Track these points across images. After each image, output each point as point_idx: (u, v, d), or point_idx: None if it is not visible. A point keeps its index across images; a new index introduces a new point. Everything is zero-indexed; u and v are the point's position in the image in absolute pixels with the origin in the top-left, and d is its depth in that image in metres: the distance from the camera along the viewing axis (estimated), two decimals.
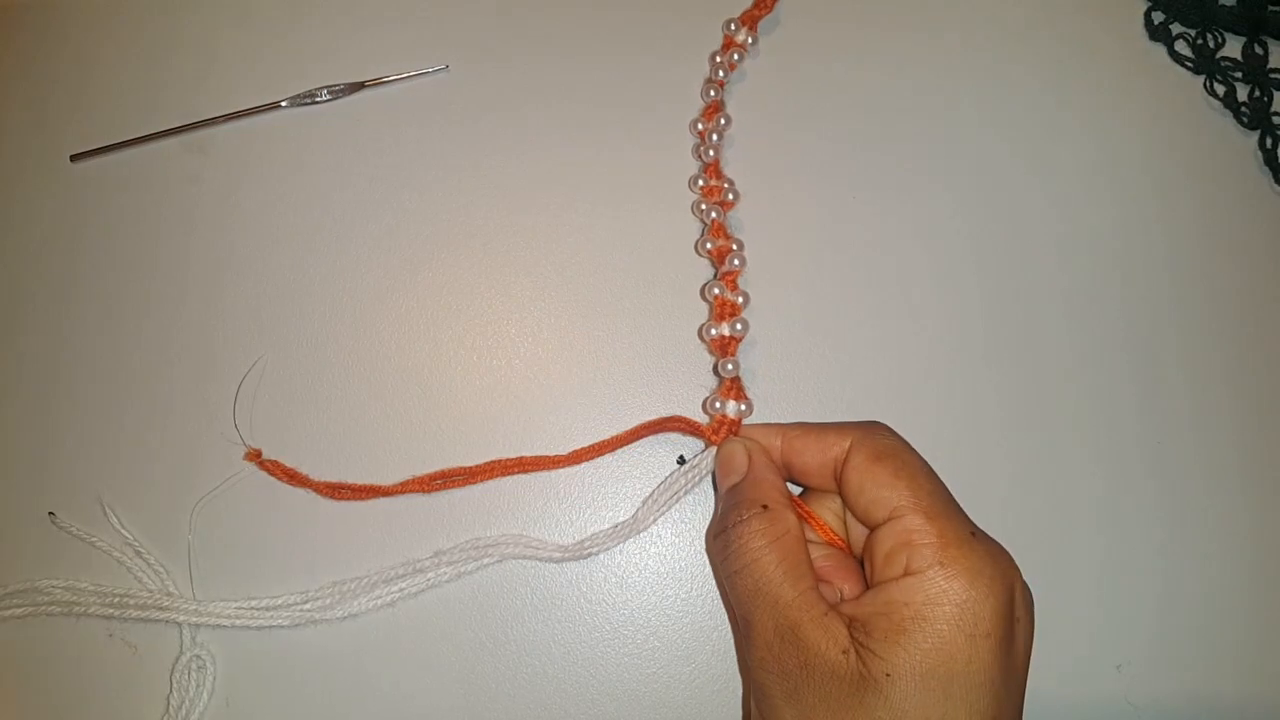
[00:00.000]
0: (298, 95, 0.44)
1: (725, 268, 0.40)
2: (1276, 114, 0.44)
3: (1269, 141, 0.44)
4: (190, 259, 0.43)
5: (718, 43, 0.44)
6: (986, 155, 0.44)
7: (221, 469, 0.40)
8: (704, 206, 0.42)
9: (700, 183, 0.43)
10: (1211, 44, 0.45)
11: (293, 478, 0.40)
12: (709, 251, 0.41)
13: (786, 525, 0.34)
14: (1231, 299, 0.43)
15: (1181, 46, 0.45)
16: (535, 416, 0.41)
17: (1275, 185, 0.44)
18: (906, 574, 0.31)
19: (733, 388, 0.39)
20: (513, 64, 0.45)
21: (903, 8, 0.46)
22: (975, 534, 0.32)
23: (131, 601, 0.39)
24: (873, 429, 0.35)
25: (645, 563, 0.40)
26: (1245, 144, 0.44)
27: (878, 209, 0.43)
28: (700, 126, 0.43)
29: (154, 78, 0.45)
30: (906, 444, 0.34)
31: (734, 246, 0.41)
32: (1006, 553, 0.32)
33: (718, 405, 0.38)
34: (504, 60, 0.45)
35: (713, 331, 0.40)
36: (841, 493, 0.35)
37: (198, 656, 0.39)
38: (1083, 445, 0.41)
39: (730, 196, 0.42)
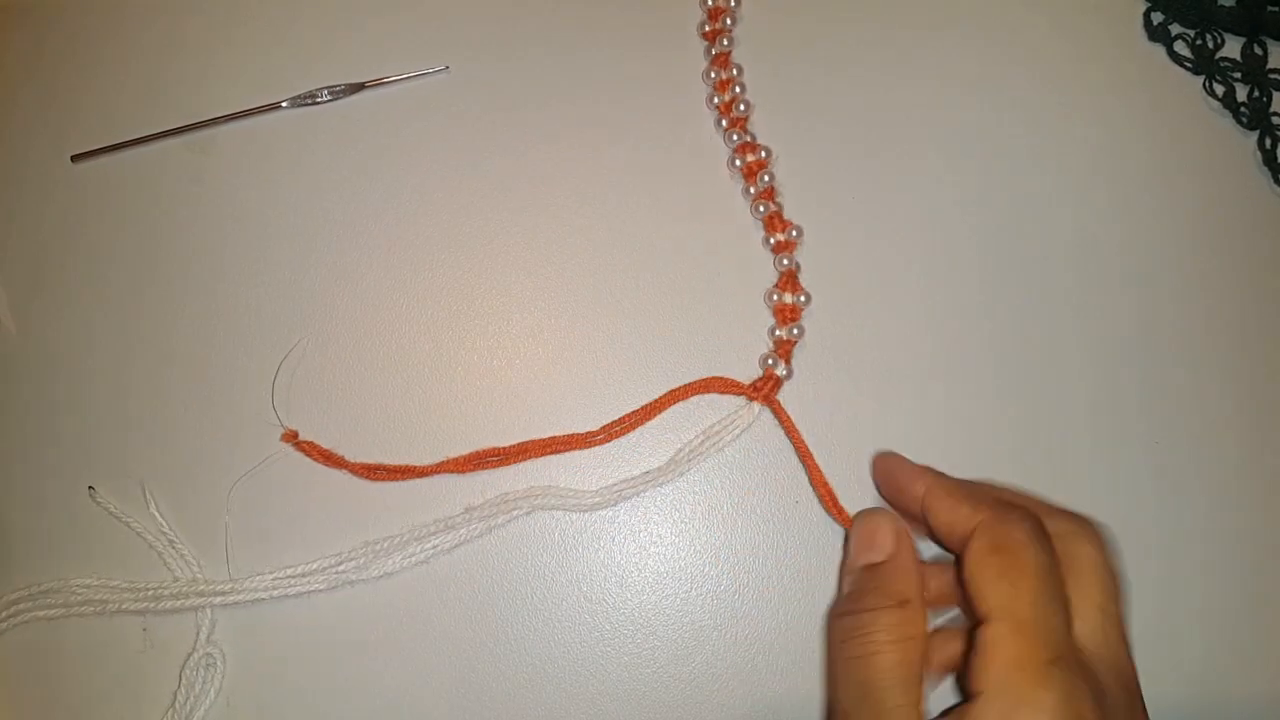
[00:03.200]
0: (298, 96, 0.44)
1: (784, 236, 0.42)
2: (1276, 114, 0.44)
3: (1268, 141, 0.44)
4: (192, 258, 0.43)
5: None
6: (984, 154, 0.44)
7: (259, 455, 0.41)
8: (752, 191, 0.43)
9: (738, 162, 0.43)
10: (1211, 44, 0.45)
11: (328, 459, 0.40)
12: (763, 217, 0.42)
13: (917, 628, 0.32)
14: (1230, 299, 0.43)
15: (1180, 47, 0.45)
16: (557, 401, 0.41)
17: (1274, 185, 0.44)
18: (976, 691, 0.29)
19: (786, 350, 0.41)
20: (513, 64, 0.45)
21: (898, 8, 0.46)
22: (1056, 660, 0.29)
23: (165, 592, 0.39)
24: (1008, 515, 0.32)
25: (645, 562, 0.40)
26: (1244, 144, 0.44)
27: (875, 211, 0.43)
28: (714, 75, 0.44)
29: (155, 78, 0.45)
30: (1038, 537, 0.31)
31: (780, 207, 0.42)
32: (1084, 684, 0.29)
33: (770, 363, 0.40)
34: (504, 60, 0.45)
35: (775, 298, 0.41)
36: (958, 572, 0.32)
37: (209, 654, 0.39)
38: (1080, 444, 0.41)
39: (764, 154, 0.43)
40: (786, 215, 0.43)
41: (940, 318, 0.42)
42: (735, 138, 0.43)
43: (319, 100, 0.44)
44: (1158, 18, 0.45)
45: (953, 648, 0.35)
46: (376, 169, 0.44)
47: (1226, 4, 0.45)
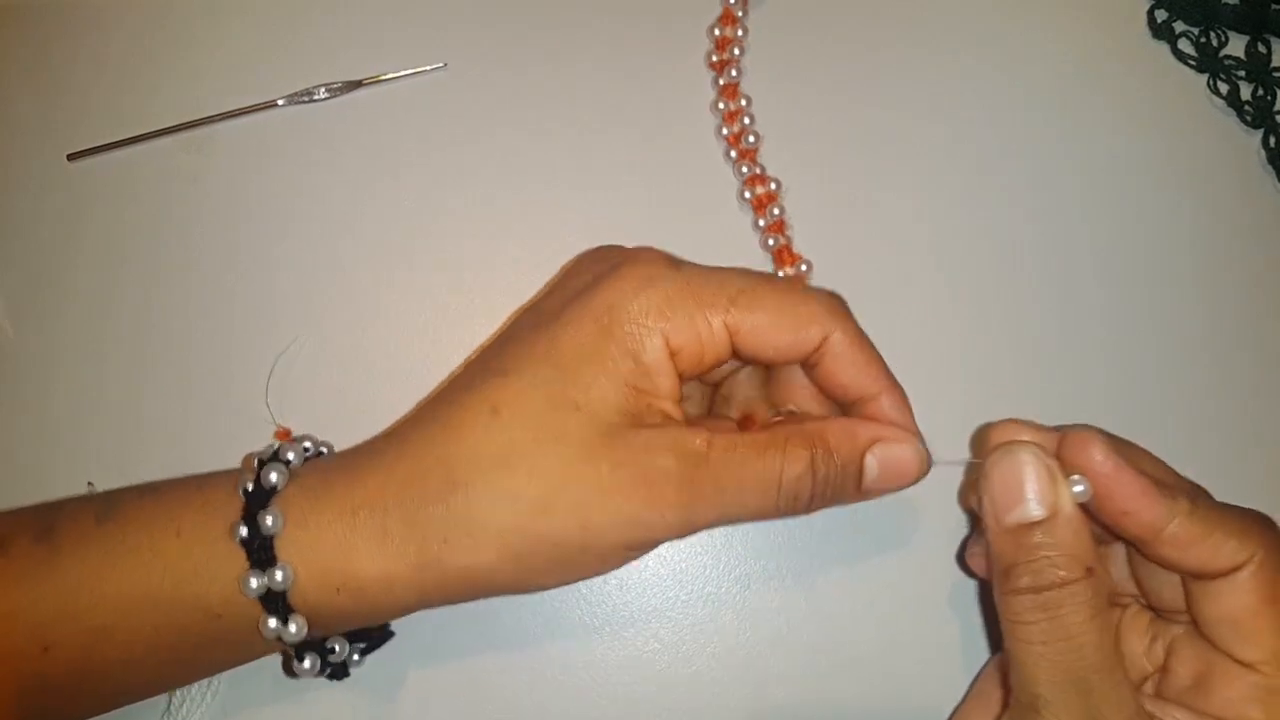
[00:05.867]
0: (295, 93, 0.44)
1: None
2: None
3: (1272, 140, 0.44)
4: (188, 256, 0.43)
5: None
6: (985, 154, 0.44)
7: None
8: (762, 224, 0.42)
9: (748, 195, 0.43)
10: (1215, 43, 0.45)
11: None
12: (774, 250, 0.42)
13: (1106, 593, 0.28)
14: (1233, 298, 0.43)
15: (1185, 45, 0.45)
16: None
17: (1278, 184, 0.44)
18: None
19: None
20: (511, 61, 0.45)
21: (906, 36, 0.45)
22: None
23: None
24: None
25: (645, 564, 0.40)
26: (1248, 143, 0.44)
27: (885, 244, 0.43)
28: (722, 106, 0.44)
29: (151, 76, 0.45)
30: None
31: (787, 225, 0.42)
32: None
33: None
34: (502, 58, 0.45)
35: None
36: (1202, 608, 0.30)
37: None
38: None
39: (774, 186, 0.42)
40: (796, 248, 0.42)
41: (955, 352, 0.42)
42: (745, 170, 0.43)
43: (316, 98, 0.44)
44: (1162, 16, 0.45)
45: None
46: (374, 167, 0.44)
47: (1231, 2, 0.45)
